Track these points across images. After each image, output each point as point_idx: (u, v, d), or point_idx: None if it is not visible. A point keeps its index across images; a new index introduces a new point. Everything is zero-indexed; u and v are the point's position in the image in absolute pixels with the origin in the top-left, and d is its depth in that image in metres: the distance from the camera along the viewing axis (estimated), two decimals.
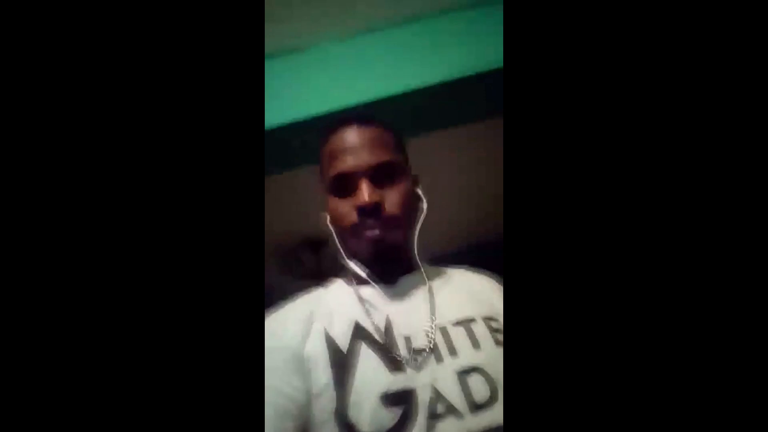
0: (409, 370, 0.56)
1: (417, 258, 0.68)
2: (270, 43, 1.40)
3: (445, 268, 0.74)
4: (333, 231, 0.68)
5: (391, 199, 0.64)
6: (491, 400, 0.55)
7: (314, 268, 1.91)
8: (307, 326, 0.61)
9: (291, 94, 1.43)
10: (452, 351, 0.59)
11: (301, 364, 0.58)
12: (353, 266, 0.66)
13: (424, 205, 0.70)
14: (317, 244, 1.91)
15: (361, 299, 0.64)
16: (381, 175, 0.65)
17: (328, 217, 0.69)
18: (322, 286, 0.72)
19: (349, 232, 0.65)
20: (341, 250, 0.67)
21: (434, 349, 0.58)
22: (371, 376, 0.56)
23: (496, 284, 0.73)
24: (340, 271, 0.72)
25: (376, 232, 0.62)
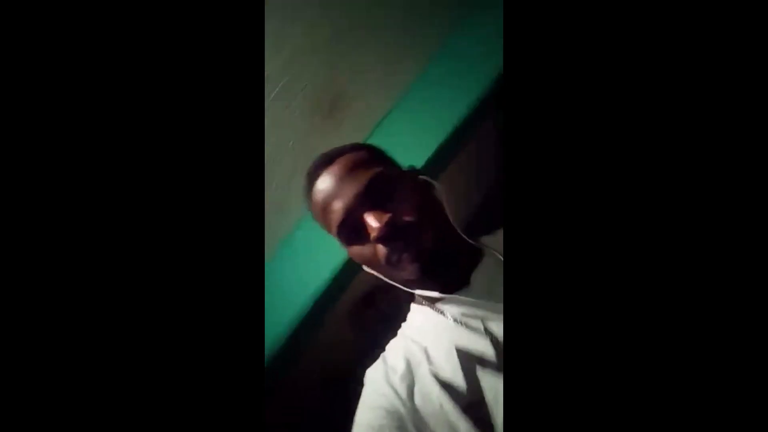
0: None
1: (474, 242, 0.62)
2: None
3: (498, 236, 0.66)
4: (376, 274, 0.63)
5: (401, 209, 0.57)
6: None
7: (378, 315, 1.84)
8: (409, 378, 0.57)
9: None
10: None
11: (417, 419, 0.53)
12: (422, 293, 0.62)
13: (443, 195, 0.63)
14: (368, 297, 1.86)
15: (446, 319, 0.60)
16: (376, 194, 0.58)
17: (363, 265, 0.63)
18: (403, 320, 0.68)
19: (387, 269, 0.59)
20: (398, 285, 0.62)
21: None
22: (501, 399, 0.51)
23: None
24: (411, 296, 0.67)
25: (409, 250, 0.56)
